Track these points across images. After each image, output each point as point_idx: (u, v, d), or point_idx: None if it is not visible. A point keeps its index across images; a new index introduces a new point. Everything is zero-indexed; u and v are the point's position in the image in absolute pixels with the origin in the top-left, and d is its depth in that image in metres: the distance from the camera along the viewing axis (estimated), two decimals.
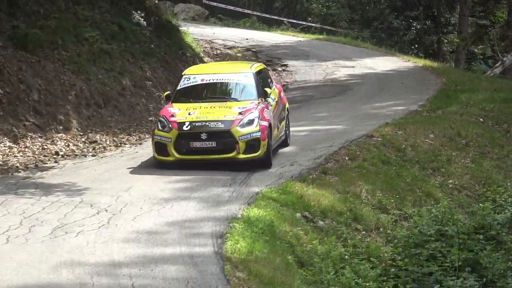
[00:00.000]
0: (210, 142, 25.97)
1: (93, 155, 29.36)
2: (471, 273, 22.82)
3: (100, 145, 30.43)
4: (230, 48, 54.52)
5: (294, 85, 46.68)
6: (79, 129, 31.47)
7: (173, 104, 27.52)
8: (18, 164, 27.35)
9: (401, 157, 31.36)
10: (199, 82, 28.31)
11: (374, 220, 25.76)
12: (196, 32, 54.96)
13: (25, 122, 29.97)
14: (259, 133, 26.04)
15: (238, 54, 53.07)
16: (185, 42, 45.63)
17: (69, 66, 34.09)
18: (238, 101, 27.77)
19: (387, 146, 31.87)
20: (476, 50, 66.32)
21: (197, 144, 26.13)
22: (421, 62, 54.70)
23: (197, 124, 26.09)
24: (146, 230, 20.63)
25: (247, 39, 57.75)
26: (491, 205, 26.66)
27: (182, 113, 26.62)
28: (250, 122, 26.21)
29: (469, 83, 47.02)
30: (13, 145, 28.56)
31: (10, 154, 28.00)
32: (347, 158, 29.67)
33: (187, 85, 28.29)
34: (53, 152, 29.09)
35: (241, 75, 28.65)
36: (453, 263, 22.98)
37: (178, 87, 28.40)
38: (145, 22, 41.24)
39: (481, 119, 38.43)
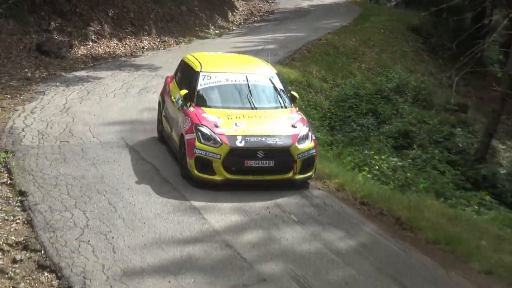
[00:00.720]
0: (267, 161, 13.50)
1: (163, 49, 29.06)
2: (372, 116, 22.95)
3: (167, 43, 30.04)
4: None
5: (278, 10, 45.88)
6: (156, 34, 31.08)
7: (203, 108, 14.29)
8: (121, 53, 27.17)
9: (336, 52, 31.06)
10: (224, 82, 14.99)
11: (319, 86, 25.72)
12: None
13: (126, 29, 29.61)
14: (314, 150, 14.05)
15: None
16: None
17: None
18: (276, 108, 14.91)
19: (328, 45, 31.53)
20: None
21: (252, 163, 13.48)
22: None
23: (251, 139, 13.52)
24: None
25: None
26: (385, 78, 26.68)
27: (227, 123, 13.79)
28: (305, 137, 14.01)
29: (377, 11, 46.30)
30: (119, 43, 28.30)
31: (117, 48, 27.78)
32: (306, 52, 29.41)
33: (209, 85, 14.88)
34: (141, 46, 28.81)
35: (265, 76, 15.36)
36: (362, 111, 23.07)
37: (199, 87, 14.77)
38: None
39: (382, 30, 37.98)
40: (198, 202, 12.42)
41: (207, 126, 13.54)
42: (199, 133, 13.45)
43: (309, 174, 13.87)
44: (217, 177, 13.23)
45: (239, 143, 13.30)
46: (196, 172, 13.30)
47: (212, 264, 10.12)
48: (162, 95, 16.59)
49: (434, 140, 22.18)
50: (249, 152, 13.31)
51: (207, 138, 13.37)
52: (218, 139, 13.31)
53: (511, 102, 23.35)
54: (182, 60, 16.51)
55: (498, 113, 23.36)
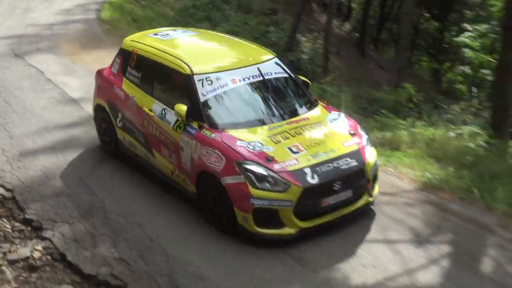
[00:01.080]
0: (345, 193, 6.97)
1: None
2: (207, 21, 22.24)
3: None
4: None
5: None
6: None
7: (229, 131, 7.08)
8: None
9: None
10: (231, 85, 7.33)
11: (166, 1, 24.70)
12: None
13: None
14: (377, 158, 7.65)
15: None
16: None
17: None
18: (309, 107, 7.88)
19: None
20: None
21: (330, 200, 6.82)
22: None
23: (323, 169, 6.81)
24: (66, 9, 19.36)
25: None
26: None
27: (280, 151, 6.89)
28: (367, 143, 7.53)
29: None
30: None
31: None
32: None
33: (215, 93, 7.26)
34: None
35: (269, 64, 7.96)
36: (199, 18, 22.32)
37: (202, 98, 7.19)
38: None
39: None
40: (77, 93, 11.93)
41: (257, 162, 6.89)
42: (250, 174, 6.81)
43: (377, 187, 7.80)
44: (289, 230, 6.88)
45: (311, 179, 6.87)
46: (256, 228, 6.85)
47: (91, 140, 9.92)
48: (109, 99, 8.90)
49: (254, 37, 21.99)
50: (325, 187, 6.99)
51: (263, 179, 6.80)
52: (282, 179, 6.81)
53: (309, 5, 23.70)
54: (131, 52, 8.72)
55: (299, 14, 23.65)
